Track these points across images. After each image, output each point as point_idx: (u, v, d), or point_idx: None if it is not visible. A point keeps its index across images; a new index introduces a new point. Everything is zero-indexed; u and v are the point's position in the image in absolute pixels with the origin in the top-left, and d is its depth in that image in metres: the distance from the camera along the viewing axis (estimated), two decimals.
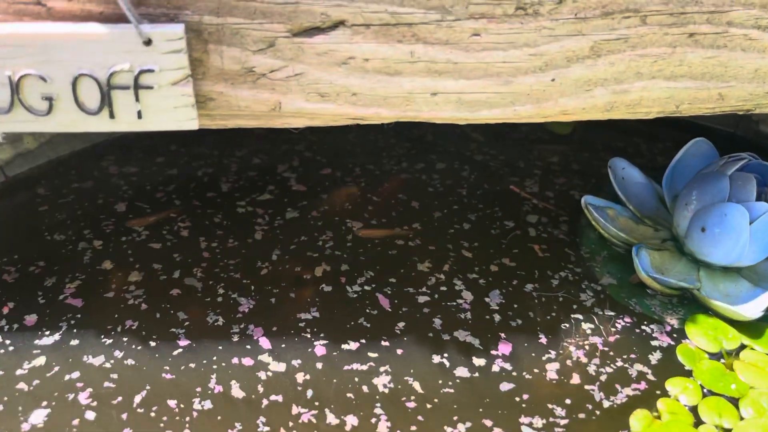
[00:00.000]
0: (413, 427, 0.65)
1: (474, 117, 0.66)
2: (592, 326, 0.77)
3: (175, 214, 0.91)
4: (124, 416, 0.65)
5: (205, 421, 0.65)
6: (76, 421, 0.65)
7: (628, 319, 0.78)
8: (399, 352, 0.73)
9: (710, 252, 0.80)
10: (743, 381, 0.70)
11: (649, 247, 0.84)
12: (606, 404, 0.68)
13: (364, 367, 0.71)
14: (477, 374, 0.71)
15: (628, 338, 0.75)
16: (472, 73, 0.63)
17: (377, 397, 0.68)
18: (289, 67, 0.61)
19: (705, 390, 0.70)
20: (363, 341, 0.74)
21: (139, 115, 0.60)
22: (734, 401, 0.68)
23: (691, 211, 0.81)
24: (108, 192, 0.95)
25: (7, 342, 0.72)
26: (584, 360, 0.73)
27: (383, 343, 0.74)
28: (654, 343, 0.75)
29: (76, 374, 0.69)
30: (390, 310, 0.78)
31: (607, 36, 0.61)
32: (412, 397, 0.68)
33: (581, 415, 0.67)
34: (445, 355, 0.73)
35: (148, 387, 0.68)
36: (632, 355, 0.74)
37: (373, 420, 0.66)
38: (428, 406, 0.67)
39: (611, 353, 0.74)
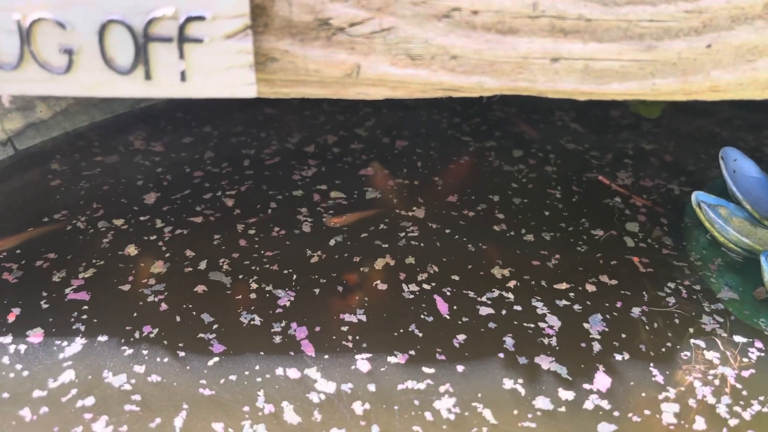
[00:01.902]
0: None
1: (601, 91, 0.52)
2: (717, 355, 0.63)
3: (207, 197, 0.78)
4: None
5: None
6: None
7: (760, 345, 0.64)
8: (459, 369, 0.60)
9: None
10: None
11: None
12: None
13: (421, 386, 0.58)
14: (563, 409, 0.58)
15: (766, 370, 0.62)
16: (607, 33, 0.49)
17: (444, 427, 0.55)
18: (376, 20, 0.48)
19: None
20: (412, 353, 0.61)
21: (183, 76, 0.47)
22: None
23: None
24: (132, 169, 0.82)
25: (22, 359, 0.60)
26: (711, 399, 0.59)
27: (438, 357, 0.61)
28: None
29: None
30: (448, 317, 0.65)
31: None
32: (485, 429, 0.55)
33: None
34: (519, 381, 0.60)
35: (184, 408, 0.56)
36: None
37: None
38: None
39: (745, 391, 0.60)
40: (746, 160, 0.80)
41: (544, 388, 0.60)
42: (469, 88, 0.52)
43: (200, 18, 0.44)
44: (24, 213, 0.76)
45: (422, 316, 0.65)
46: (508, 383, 0.60)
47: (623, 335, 0.64)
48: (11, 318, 0.63)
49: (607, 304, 0.68)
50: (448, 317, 0.65)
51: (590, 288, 0.69)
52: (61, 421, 0.55)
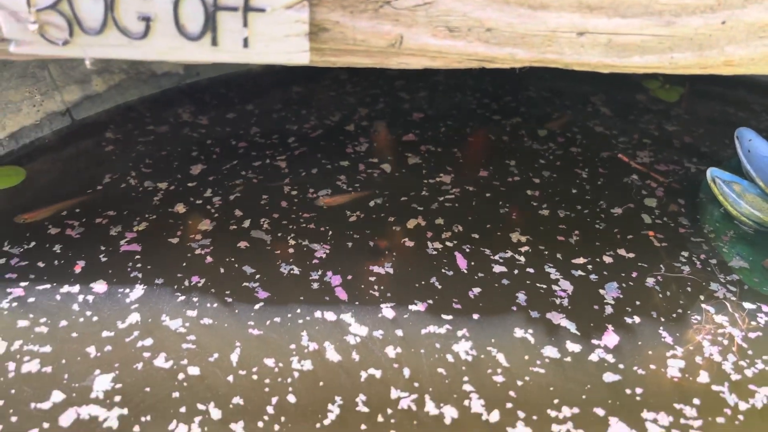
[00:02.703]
0: (509, 405, 0.58)
1: (623, 64, 0.57)
2: (726, 318, 0.67)
3: (249, 164, 0.84)
4: (230, 378, 0.59)
5: (309, 383, 0.59)
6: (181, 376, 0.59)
7: (766, 308, 0.69)
8: (475, 317, 0.66)
9: None
10: None
11: None
12: (758, 398, 0.60)
13: (442, 331, 0.64)
14: (568, 359, 0.63)
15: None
16: (629, 10, 0.54)
17: (463, 368, 0.60)
18: None
19: None
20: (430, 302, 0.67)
21: (245, 43, 0.52)
22: None
23: None
24: (181, 139, 0.89)
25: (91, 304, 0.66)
26: (717, 358, 0.64)
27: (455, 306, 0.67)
28: None
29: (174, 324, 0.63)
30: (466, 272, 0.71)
31: None
32: (499, 371, 0.61)
33: (720, 419, 0.58)
34: (530, 331, 0.65)
35: (238, 345, 0.62)
36: None
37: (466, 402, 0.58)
38: (519, 383, 0.60)
39: (750, 350, 0.65)
40: (760, 140, 0.84)
41: (552, 339, 0.64)
42: (501, 58, 0.57)
43: None
44: (82, 176, 0.83)
45: (443, 271, 0.70)
46: (519, 332, 0.65)
47: (637, 302, 0.69)
48: (77, 269, 0.69)
49: (623, 275, 0.72)
50: (465, 272, 0.70)
51: (607, 260, 0.74)
52: (123, 357, 0.61)
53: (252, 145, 0.89)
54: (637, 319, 0.67)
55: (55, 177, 0.83)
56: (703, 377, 0.62)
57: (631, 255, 0.74)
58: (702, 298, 0.70)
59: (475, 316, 0.66)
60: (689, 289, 0.71)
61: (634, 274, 0.72)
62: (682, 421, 0.58)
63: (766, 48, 0.56)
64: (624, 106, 1.02)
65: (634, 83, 1.09)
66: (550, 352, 0.63)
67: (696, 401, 0.60)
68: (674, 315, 0.68)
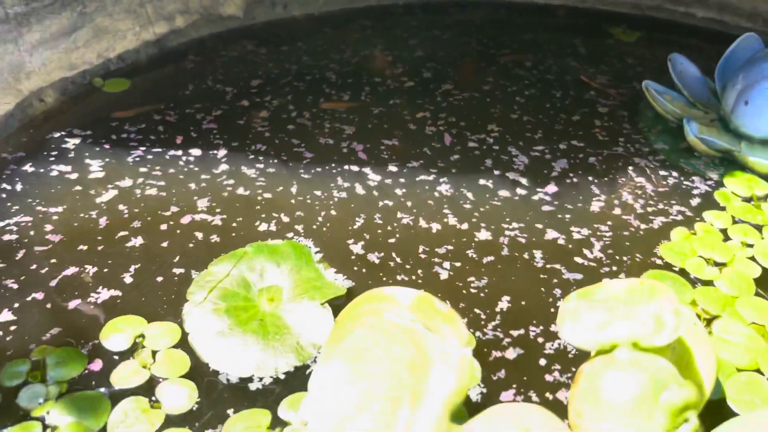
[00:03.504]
0: (473, 220, 0.85)
1: None
2: (644, 179, 0.93)
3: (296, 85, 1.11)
4: (292, 201, 0.87)
5: (344, 205, 0.87)
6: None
7: (675, 174, 0.94)
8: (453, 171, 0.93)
9: (752, 122, 0.95)
10: (767, 214, 0.86)
11: (699, 122, 1.00)
12: (655, 223, 0.85)
13: (430, 178, 0.92)
14: (517, 198, 0.89)
15: (676, 186, 0.92)
16: None
17: (444, 200, 0.88)
18: None
19: (735, 219, 0.86)
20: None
21: None
22: (758, 227, 0.84)
23: (737, 89, 0.96)
24: (246, 62, 1.16)
25: (193, 159, 0.94)
26: (631, 201, 0.89)
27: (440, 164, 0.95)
28: (697, 188, 0.91)
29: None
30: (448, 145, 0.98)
31: None
32: (467, 202, 0.88)
33: (625, 233, 0.84)
34: (491, 180, 0.91)
35: (295, 183, 0.89)
36: (678, 194, 0.90)
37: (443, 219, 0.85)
38: (481, 209, 0.86)
39: (656, 198, 0.90)
40: (690, 63, 1.09)
41: (507, 186, 0.91)
42: None
43: None
44: (171, 84, 1.10)
45: (433, 144, 0.98)
46: (482, 181, 0.91)
47: (579, 171, 0.94)
48: (179, 140, 0.97)
49: (572, 155, 0.98)
50: (448, 145, 0.98)
51: (562, 147, 0.99)
52: (213, 190, 0.88)
53: (301, 66, 1.16)
54: (575, 180, 0.93)
55: (151, 86, 1.10)
56: (617, 211, 0.87)
57: (581, 144, 1.00)
58: (630, 168, 0.95)
59: (453, 170, 0.93)
60: (620, 162, 0.96)
61: (581, 155, 0.98)
62: (598, 233, 0.84)
63: None
64: (594, 47, 1.28)
65: (604, 32, 1.34)
66: (504, 193, 0.89)
67: (609, 223, 0.85)
68: (605, 178, 0.93)
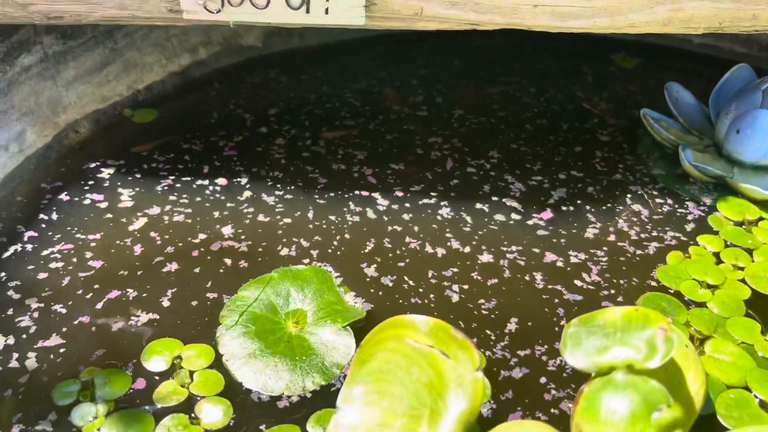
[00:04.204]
0: (474, 242, 0.91)
1: (563, 26, 0.89)
2: (639, 206, 0.99)
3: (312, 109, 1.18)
4: (310, 226, 0.94)
5: (356, 229, 0.93)
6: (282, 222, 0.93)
7: (670, 200, 1.00)
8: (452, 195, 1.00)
9: (743, 150, 1.01)
10: (758, 239, 0.92)
11: (694, 148, 1.06)
12: (650, 248, 0.91)
13: (431, 202, 0.99)
14: (512, 222, 0.95)
15: (671, 212, 0.97)
16: None
17: (446, 224, 0.95)
18: None
19: (727, 243, 0.92)
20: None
21: (326, 11, 0.86)
22: (749, 251, 0.90)
23: (730, 118, 1.02)
24: (268, 90, 1.23)
25: (218, 187, 1.01)
26: (626, 228, 0.95)
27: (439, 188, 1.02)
28: (691, 214, 0.97)
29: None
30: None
31: None
32: (467, 226, 0.95)
33: (621, 258, 0.90)
34: (487, 205, 0.98)
35: (311, 208, 0.96)
36: (673, 220, 0.96)
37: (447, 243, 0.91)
38: (480, 233, 0.93)
39: (652, 224, 0.96)
40: (686, 91, 1.15)
41: (502, 210, 0.97)
42: (485, 22, 0.89)
43: None
44: (197, 111, 1.17)
45: (435, 168, 1.05)
46: (479, 206, 0.98)
47: (578, 201, 1.00)
48: (205, 170, 1.04)
49: (570, 185, 1.04)
50: (448, 170, 1.05)
51: (561, 176, 1.05)
52: (234, 218, 0.95)
53: (317, 94, 1.23)
54: (571, 207, 0.99)
55: (176, 114, 1.17)
56: (611, 237, 0.93)
57: (581, 174, 1.06)
58: (627, 196, 1.01)
59: (452, 194, 1.00)
60: (618, 190, 1.02)
61: (580, 185, 1.04)
62: (595, 258, 0.90)
63: (654, 15, 0.87)
64: (596, 73, 1.34)
65: (605, 58, 1.40)
66: (499, 217, 0.96)
67: (605, 248, 0.91)
68: (603, 207, 0.99)
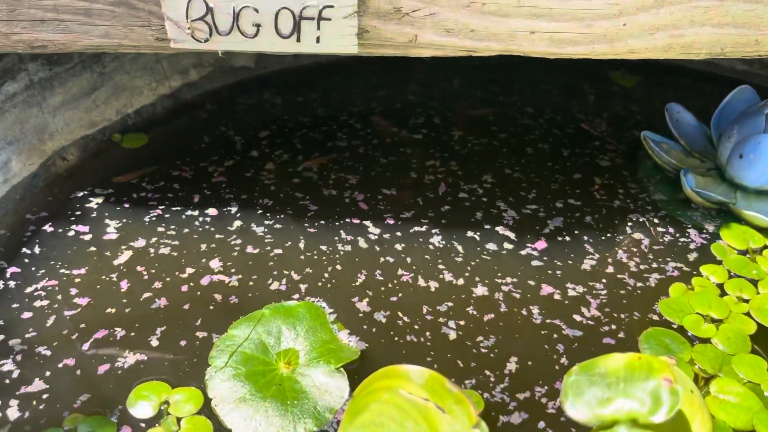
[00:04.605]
0: (467, 273, 0.89)
1: (561, 52, 0.86)
2: (641, 233, 0.96)
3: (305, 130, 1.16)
4: (302, 257, 0.91)
5: (348, 260, 0.91)
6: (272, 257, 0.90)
7: (672, 228, 0.97)
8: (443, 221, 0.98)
9: (746, 175, 0.98)
10: (763, 269, 0.89)
11: (696, 172, 1.03)
12: (652, 279, 0.89)
13: (422, 229, 0.96)
14: (504, 252, 0.92)
15: (672, 241, 0.95)
16: (562, 17, 0.83)
17: (438, 253, 0.92)
18: (427, 8, 0.83)
19: (732, 273, 0.89)
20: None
21: (318, 40, 0.83)
22: (754, 282, 0.88)
23: (732, 142, 1.00)
24: (261, 111, 1.21)
25: (209, 218, 0.98)
26: (625, 259, 0.92)
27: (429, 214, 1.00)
28: (693, 242, 0.95)
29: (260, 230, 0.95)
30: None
31: None
32: (459, 254, 0.92)
33: (622, 291, 0.87)
34: (478, 233, 0.95)
35: (302, 238, 0.94)
36: (674, 249, 0.93)
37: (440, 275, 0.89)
38: (472, 263, 0.90)
39: (653, 254, 0.94)
40: (686, 112, 1.13)
41: (494, 239, 0.94)
42: (482, 49, 0.87)
43: (331, 6, 0.81)
44: (188, 136, 1.15)
45: (427, 194, 1.03)
46: (470, 233, 0.95)
47: (575, 231, 0.97)
48: (196, 199, 1.01)
49: (568, 214, 1.01)
50: (440, 194, 1.02)
51: (558, 205, 1.03)
52: (222, 250, 0.92)
53: (310, 116, 1.20)
54: (568, 238, 0.96)
55: (167, 139, 1.15)
56: (609, 269, 0.91)
57: (578, 203, 1.03)
58: (627, 223, 0.99)
59: (443, 221, 0.98)
60: (618, 217, 1.00)
61: (577, 214, 1.01)
62: (594, 291, 0.87)
63: (655, 41, 0.85)
64: (595, 92, 1.32)
65: (604, 76, 1.38)
66: (491, 246, 0.93)
67: (603, 280, 0.89)
68: (601, 236, 0.96)
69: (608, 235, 0.96)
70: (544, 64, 1.39)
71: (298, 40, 0.83)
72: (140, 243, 0.93)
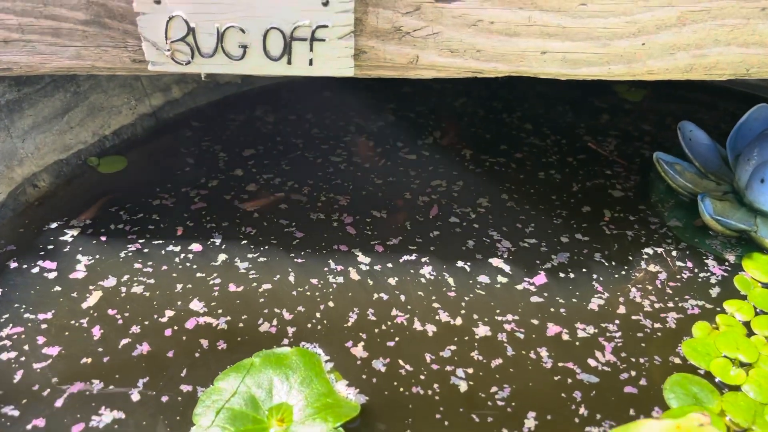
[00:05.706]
0: (463, 311, 0.82)
1: (574, 73, 0.80)
2: (656, 264, 0.90)
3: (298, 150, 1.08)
4: (294, 292, 0.84)
5: (341, 295, 0.84)
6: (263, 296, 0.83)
7: (690, 261, 0.91)
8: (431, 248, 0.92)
9: (767, 200, 0.92)
10: None
11: (713, 196, 0.97)
12: (670, 319, 0.82)
13: (412, 258, 0.90)
14: (498, 286, 0.86)
15: (692, 276, 0.88)
16: (576, 36, 0.77)
17: (430, 287, 0.85)
18: (429, 27, 0.76)
19: (757, 310, 0.83)
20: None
21: (311, 62, 0.76)
22: None
23: (752, 165, 0.94)
24: (244, 130, 1.13)
25: (192, 253, 0.90)
26: (638, 298, 0.86)
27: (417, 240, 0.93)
28: (714, 275, 0.88)
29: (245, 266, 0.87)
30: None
31: (693, 7, 0.74)
32: (451, 288, 0.86)
33: (639, 334, 0.80)
34: (468, 263, 0.89)
35: (290, 270, 0.87)
36: (695, 285, 0.87)
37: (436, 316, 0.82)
38: (466, 298, 0.84)
39: (672, 290, 0.87)
40: (699, 130, 1.07)
41: (487, 272, 0.88)
42: (488, 70, 0.80)
43: (324, 26, 0.73)
44: (170, 158, 1.07)
45: (417, 217, 0.97)
46: (460, 263, 0.89)
47: (582, 269, 0.89)
48: (179, 232, 0.94)
49: (575, 249, 0.93)
50: (431, 218, 0.97)
51: (564, 240, 0.95)
52: (201, 288, 0.85)
53: (299, 136, 1.13)
54: (572, 275, 0.89)
55: (146, 163, 1.07)
56: (620, 309, 0.83)
57: (586, 239, 0.96)
58: (641, 251, 0.92)
59: (432, 248, 0.92)
60: (631, 244, 0.93)
61: (585, 251, 0.93)
62: (607, 333, 0.80)
63: (675, 61, 0.79)
64: (601, 107, 1.25)
65: (609, 90, 1.32)
66: (484, 279, 0.87)
67: (617, 321, 0.82)
68: (610, 269, 0.89)
69: (620, 266, 0.90)
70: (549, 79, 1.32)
71: (289, 62, 0.76)
72: (110, 282, 0.85)
